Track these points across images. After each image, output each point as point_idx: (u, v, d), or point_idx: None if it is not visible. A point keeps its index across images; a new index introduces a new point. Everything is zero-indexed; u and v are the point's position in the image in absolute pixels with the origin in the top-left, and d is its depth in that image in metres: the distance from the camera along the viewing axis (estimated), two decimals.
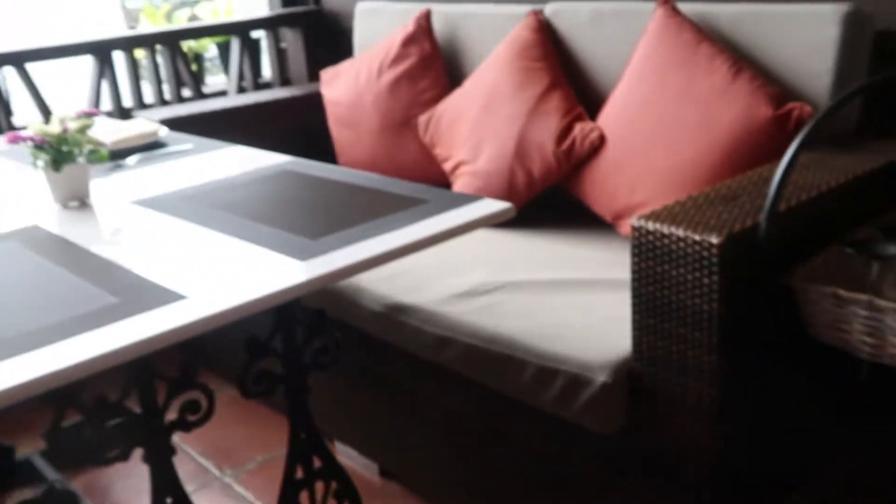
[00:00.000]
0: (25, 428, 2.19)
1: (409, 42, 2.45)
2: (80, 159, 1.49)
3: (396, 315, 1.69)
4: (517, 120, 2.09)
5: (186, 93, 3.05)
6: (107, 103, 2.84)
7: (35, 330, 1.00)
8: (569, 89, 2.10)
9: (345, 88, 2.58)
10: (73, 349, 0.94)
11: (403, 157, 2.45)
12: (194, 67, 3.28)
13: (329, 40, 3.18)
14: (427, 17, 2.46)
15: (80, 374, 0.91)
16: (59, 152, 1.46)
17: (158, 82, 2.95)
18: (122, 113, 2.82)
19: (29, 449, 2.17)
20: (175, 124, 2.32)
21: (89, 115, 1.52)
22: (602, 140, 1.95)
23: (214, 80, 3.70)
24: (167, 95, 3.01)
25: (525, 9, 2.25)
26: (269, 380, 1.35)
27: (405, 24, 2.48)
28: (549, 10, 2.20)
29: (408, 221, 1.26)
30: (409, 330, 1.66)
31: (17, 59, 2.60)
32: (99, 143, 1.55)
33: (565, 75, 2.12)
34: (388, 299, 1.71)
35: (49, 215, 1.46)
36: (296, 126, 2.72)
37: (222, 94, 3.16)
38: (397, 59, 2.45)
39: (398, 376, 1.81)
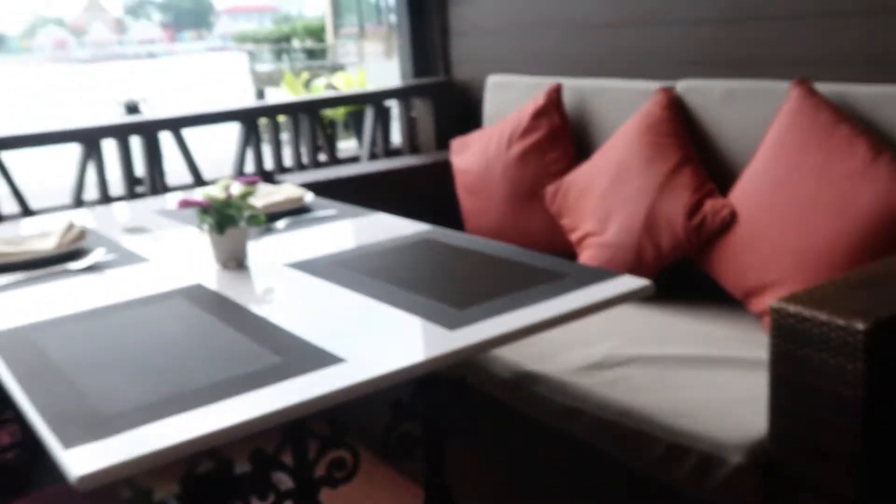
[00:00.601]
0: (163, 470, 2.31)
1: (539, 114, 2.53)
2: (241, 223, 1.60)
3: (526, 383, 1.73)
4: (647, 194, 2.12)
5: (321, 157, 3.21)
6: (249, 166, 3.02)
7: (210, 384, 1.09)
8: (699, 166, 2.12)
9: (474, 158, 2.67)
10: (246, 405, 1.02)
11: (530, 227, 2.51)
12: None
13: (457, 110, 3.30)
14: (557, 91, 2.54)
15: (252, 430, 0.99)
16: (223, 216, 1.58)
17: (297, 147, 3.12)
18: (264, 176, 3.00)
19: (166, 492, 2.28)
20: (313, 188, 2.45)
21: (251, 182, 1.65)
22: (734, 217, 1.96)
23: (343, 144, 3.89)
24: (304, 159, 3.17)
25: (655, 85, 2.29)
26: (410, 442, 1.41)
27: (535, 97, 2.57)
28: (680, 87, 2.24)
29: (549, 295, 1.31)
30: (538, 399, 1.70)
31: (174, 125, 2.81)
32: (256, 208, 1.67)
33: (696, 152, 2.15)
34: (518, 367, 1.76)
35: (210, 275, 1.58)
36: (424, 192, 2.83)
37: (354, 159, 3.31)
38: (527, 131, 2.53)
39: (525, 444, 1.83)
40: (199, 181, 2.89)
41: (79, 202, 2.69)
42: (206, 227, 1.60)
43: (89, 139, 2.67)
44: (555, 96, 2.53)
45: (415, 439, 1.43)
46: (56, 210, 2.59)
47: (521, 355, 1.77)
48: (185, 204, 1.60)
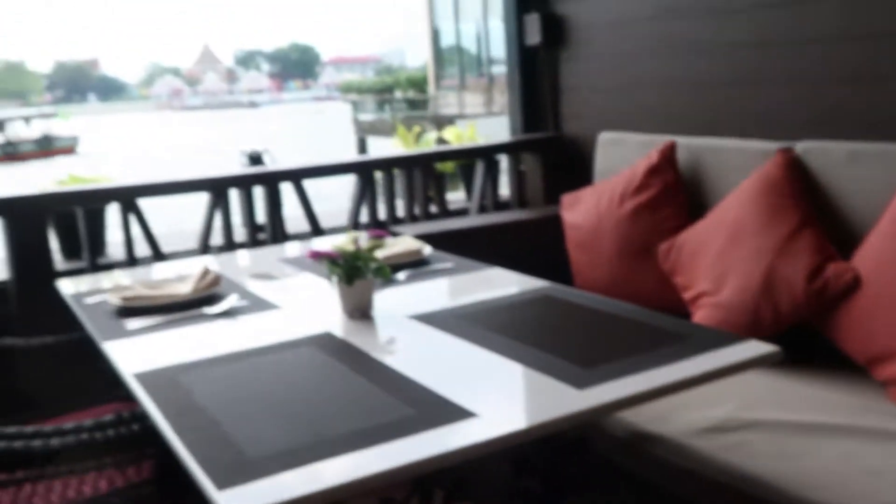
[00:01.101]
0: None
1: (652, 172, 2.54)
2: (368, 275, 1.67)
3: (642, 444, 1.72)
4: (765, 255, 2.09)
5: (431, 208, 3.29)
6: (363, 217, 3.12)
7: (348, 433, 1.14)
8: (820, 228, 2.08)
9: (585, 213, 2.69)
10: (384, 456, 1.06)
11: (641, 283, 2.51)
12: None
13: (566, 164, 3.34)
14: (672, 148, 2.55)
15: (391, 481, 1.02)
16: (351, 268, 1.65)
17: (411, 199, 3.21)
18: (377, 226, 3.09)
19: None
20: (426, 239, 2.51)
21: (378, 236, 1.71)
22: (857, 282, 1.92)
23: (450, 196, 3.96)
24: (416, 211, 3.26)
25: (774, 146, 2.28)
26: (529, 498, 1.42)
27: (648, 154, 2.58)
28: (800, 148, 2.22)
29: (675, 358, 1.31)
30: (655, 460, 1.69)
31: (296, 176, 2.94)
32: (381, 261, 1.73)
33: (816, 214, 2.12)
34: (634, 427, 1.75)
35: (337, 323, 1.64)
36: (532, 246, 2.85)
37: (463, 211, 3.37)
38: (640, 188, 2.54)
39: None
40: (317, 230, 3.00)
41: (206, 248, 2.83)
42: (335, 277, 1.67)
43: (218, 188, 2.81)
44: (669, 154, 2.54)
45: (534, 495, 1.44)
46: (185, 255, 2.73)
47: (637, 415, 1.77)
48: (316, 255, 1.68)
